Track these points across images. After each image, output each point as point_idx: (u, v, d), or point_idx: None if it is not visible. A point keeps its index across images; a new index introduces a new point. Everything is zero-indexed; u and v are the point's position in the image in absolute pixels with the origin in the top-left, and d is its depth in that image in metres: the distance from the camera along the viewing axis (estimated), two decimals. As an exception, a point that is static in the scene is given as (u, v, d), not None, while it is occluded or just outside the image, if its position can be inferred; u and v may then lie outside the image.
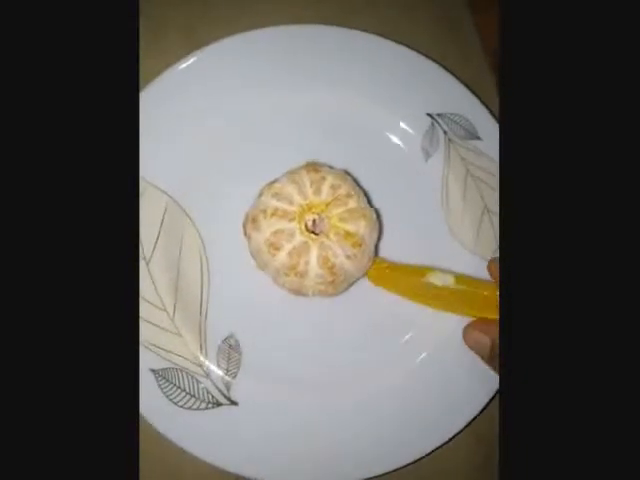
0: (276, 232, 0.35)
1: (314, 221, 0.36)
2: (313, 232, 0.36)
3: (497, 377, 0.36)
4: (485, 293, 0.38)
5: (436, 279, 0.38)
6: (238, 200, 0.38)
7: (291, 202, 0.36)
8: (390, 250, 0.41)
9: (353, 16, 0.44)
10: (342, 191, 0.37)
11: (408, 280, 0.39)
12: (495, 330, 0.35)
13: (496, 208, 0.41)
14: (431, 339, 0.40)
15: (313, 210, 0.36)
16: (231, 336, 0.40)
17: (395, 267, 0.39)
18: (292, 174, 0.37)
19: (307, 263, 0.35)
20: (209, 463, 0.37)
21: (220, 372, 0.39)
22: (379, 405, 0.39)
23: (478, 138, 0.42)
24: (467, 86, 0.42)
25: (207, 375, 0.39)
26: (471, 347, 0.37)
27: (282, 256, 0.35)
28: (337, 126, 0.42)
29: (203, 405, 0.38)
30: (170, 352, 0.39)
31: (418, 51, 0.42)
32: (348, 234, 0.36)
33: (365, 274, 0.39)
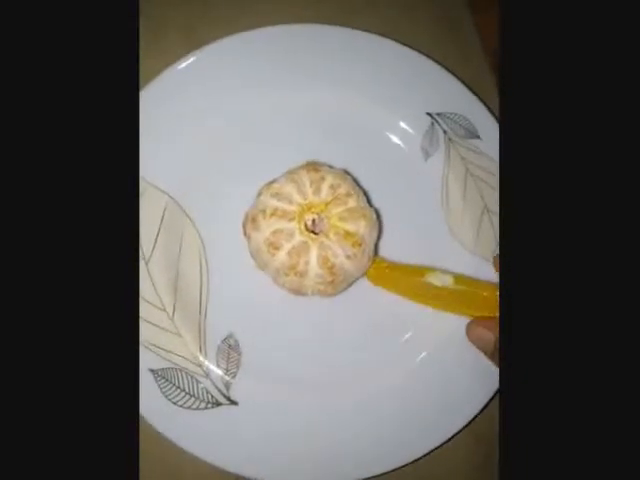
0: (276, 232, 0.35)
1: (314, 221, 0.36)
2: (313, 232, 0.36)
3: (497, 377, 0.36)
4: (484, 293, 0.38)
5: (435, 279, 0.38)
6: (238, 200, 0.38)
7: (291, 202, 0.36)
8: (390, 250, 0.41)
9: (353, 16, 0.44)
10: (342, 190, 0.37)
11: (408, 280, 0.39)
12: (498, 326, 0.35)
13: (496, 208, 0.41)
14: (431, 339, 0.40)
15: (313, 210, 0.36)
16: (231, 336, 0.40)
17: (395, 267, 0.39)
18: (291, 174, 0.37)
19: (307, 263, 0.35)
20: (209, 463, 0.37)
21: (220, 372, 0.39)
22: (379, 405, 0.39)
23: (478, 137, 0.42)
24: (467, 86, 0.42)
25: (207, 375, 0.39)
26: (474, 343, 0.37)
27: (282, 256, 0.35)
28: (337, 126, 0.42)
29: (203, 405, 0.38)
30: (169, 352, 0.39)
31: (418, 51, 0.42)
32: (348, 234, 0.36)
33: (365, 274, 0.39)
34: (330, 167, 0.38)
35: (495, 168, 0.42)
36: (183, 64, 0.40)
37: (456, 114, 0.42)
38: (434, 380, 0.40)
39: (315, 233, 0.36)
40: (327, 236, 0.36)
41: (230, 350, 0.39)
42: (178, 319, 0.39)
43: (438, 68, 0.42)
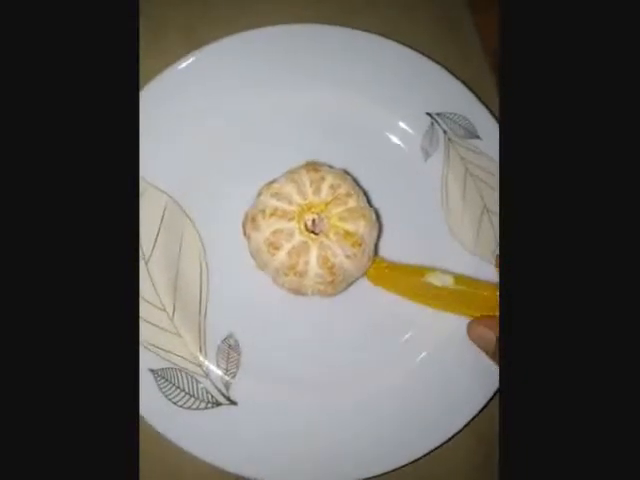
0: (275, 232, 0.35)
1: (313, 221, 0.36)
2: (313, 232, 0.36)
3: (496, 377, 0.36)
4: (484, 293, 0.38)
5: (435, 279, 0.38)
6: (238, 200, 0.38)
7: (290, 202, 0.36)
8: (389, 250, 0.41)
9: (353, 16, 0.44)
10: (342, 190, 0.37)
11: (407, 280, 0.39)
12: None
13: (495, 208, 0.41)
14: (431, 339, 0.40)
15: (312, 210, 0.36)
16: (230, 336, 0.40)
17: (394, 267, 0.39)
18: (291, 174, 0.37)
19: (307, 263, 0.35)
20: (209, 463, 0.37)
21: (219, 372, 0.39)
22: (379, 405, 0.39)
23: (477, 137, 0.42)
24: (467, 86, 0.42)
25: (206, 375, 0.39)
26: (475, 342, 0.37)
27: (281, 256, 0.35)
28: (337, 126, 0.42)
29: (202, 405, 0.38)
30: (169, 352, 0.39)
31: (418, 51, 0.42)
32: (348, 234, 0.36)
33: (365, 274, 0.39)
34: (330, 167, 0.38)
35: (494, 168, 0.42)
36: (183, 64, 0.40)
37: (456, 114, 0.42)
38: (434, 380, 0.40)
39: (315, 233, 0.36)
40: (327, 236, 0.36)
41: (230, 350, 0.39)
42: (178, 319, 0.39)
43: (438, 68, 0.42)
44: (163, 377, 0.38)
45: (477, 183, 0.42)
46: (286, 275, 0.36)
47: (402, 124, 0.43)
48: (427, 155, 0.43)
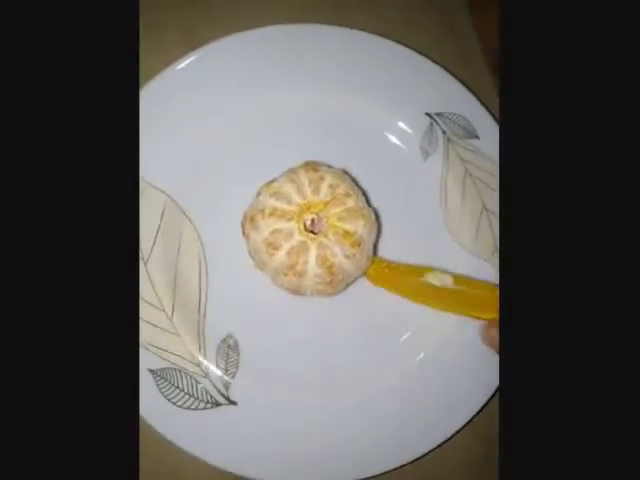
0: (274, 232, 0.35)
1: (313, 220, 0.36)
2: (312, 232, 0.36)
3: (496, 376, 0.36)
4: (484, 293, 0.38)
5: (435, 279, 0.38)
6: (237, 200, 0.38)
7: (289, 201, 0.36)
8: (389, 250, 0.41)
9: (353, 16, 0.44)
10: (341, 190, 0.37)
11: (407, 280, 0.39)
12: None
13: (495, 208, 0.42)
14: (430, 339, 0.40)
15: (312, 209, 0.36)
16: (230, 336, 0.40)
17: (394, 267, 0.39)
18: (291, 173, 0.37)
19: (306, 263, 0.35)
20: (208, 463, 0.37)
21: (219, 372, 0.39)
22: (378, 405, 0.39)
23: (477, 137, 0.42)
24: (466, 86, 0.42)
25: (206, 375, 0.39)
26: (490, 345, 0.38)
27: (281, 256, 0.35)
28: (336, 126, 0.42)
29: (202, 405, 0.38)
30: (168, 352, 0.38)
31: (417, 51, 0.42)
32: (347, 233, 0.36)
33: (364, 274, 0.39)
34: (329, 167, 0.38)
35: (494, 168, 0.42)
36: (183, 64, 0.40)
37: (455, 114, 0.42)
38: (433, 380, 0.40)
39: (314, 233, 0.36)
40: (326, 236, 0.36)
41: (229, 350, 0.39)
42: (177, 319, 0.39)
43: (437, 68, 0.42)
44: (162, 377, 0.38)
45: (476, 183, 0.42)
46: (285, 275, 0.36)
47: (401, 124, 0.43)
48: (426, 155, 0.43)
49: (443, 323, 0.40)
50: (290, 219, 0.36)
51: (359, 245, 0.36)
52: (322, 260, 0.35)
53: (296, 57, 0.42)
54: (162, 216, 0.40)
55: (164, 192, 0.40)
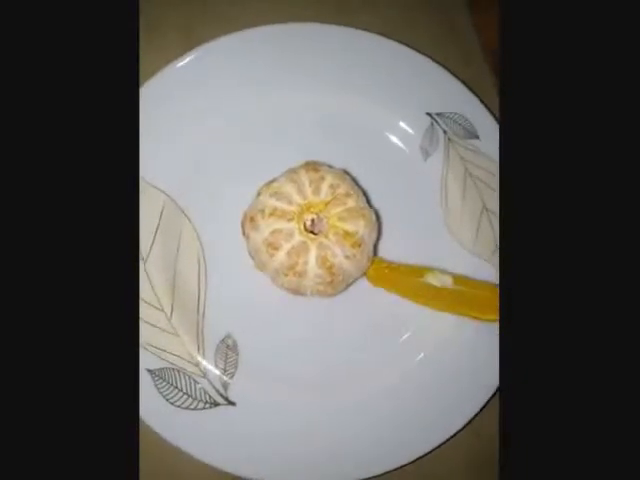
0: (274, 232, 0.35)
1: (313, 221, 0.36)
2: (312, 232, 0.36)
3: (496, 377, 0.36)
4: (484, 293, 0.38)
5: (434, 280, 0.38)
6: (237, 200, 0.38)
7: (290, 201, 0.36)
8: (389, 250, 0.41)
9: (353, 16, 0.45)
10: (341, 190, 0.36)
11: (407, 280, 0.39)
12: None
13: (495, 208, 0.41)
14: (430, 339, 0.40)
15: (312, 210, 0.36)
16: (229, 336, 0.40)
17: (394, 267, 0.39)
18: (291, 173, 0.37)
19: (306, 263, 0.35)
20: (207, 463, 0.37)
21: (217, 372, 0.39)
22: (378, 405, 0.39)
23: (477, 137, 0.42)
24: (467, 85, 0.42)
25: (204, 375, 0.39)
26: None
27: (281, 256, 0.35)
28: (336, 126, 0.42)
29: (200, 405, 0.38)
30: (167, 352, 0.38)
31: (418, 51, 0.42)
32: (347, 234, 0.36)
33: (364, 274, 0.39)
34: (329, 167, 0.38)
35: (494, 168, 0.42)
36: (182, 62, 0.40)
37: (456, 114, 0.42)
38: (433, 380, 0.40)
39: (314, 233, 0.36)
40: (326, 236, 0.36)
41: (228, 350, 0.39)
42: (176, 319, 0.39)
43: (438, 68, 0.42)
44: (161, 377, 0.38)
45: (476, 183, 0.42)
46: (285, 275, 0.36)
47: (402, 124, 0.43)
48: (427, 155, 0.43)
49: (443, 323, 0.40)
50: (290, 219, 0.36)
51: (359, 246, 0.36)
52: (322, 260, 0.35)
53: (296, 56, 0.42)
54: (161, 215, 0.40)
55: (163, 192, 0.40)
